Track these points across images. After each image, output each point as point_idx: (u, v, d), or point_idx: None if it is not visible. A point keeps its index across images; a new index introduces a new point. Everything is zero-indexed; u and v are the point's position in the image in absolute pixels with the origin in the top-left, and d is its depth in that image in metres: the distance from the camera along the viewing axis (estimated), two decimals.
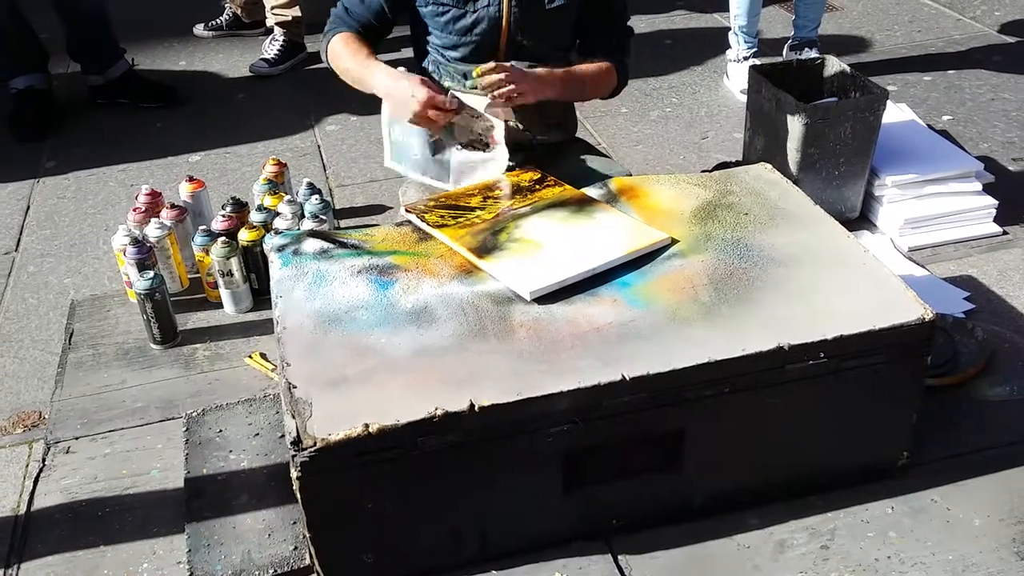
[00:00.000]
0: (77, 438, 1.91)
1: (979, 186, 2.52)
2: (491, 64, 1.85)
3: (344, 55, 1.97)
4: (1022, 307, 2.19)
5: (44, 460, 1.86)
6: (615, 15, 2.11)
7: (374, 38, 2.03)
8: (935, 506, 1.66)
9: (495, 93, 1.84)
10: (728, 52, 3.44)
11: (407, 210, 1.86)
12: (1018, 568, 1.55)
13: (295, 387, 1.44)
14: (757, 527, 1.63)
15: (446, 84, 2.00)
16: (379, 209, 2.77)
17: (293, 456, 1.37)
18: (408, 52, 2.16)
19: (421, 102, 1.82)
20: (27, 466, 1.87)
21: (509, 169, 1.97)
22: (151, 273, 2.10)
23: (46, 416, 1.99)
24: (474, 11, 1.94)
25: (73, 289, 2.47)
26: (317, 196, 2.35)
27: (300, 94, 3.52)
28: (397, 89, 1.87)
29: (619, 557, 1.58)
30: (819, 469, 1.67)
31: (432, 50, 2.04)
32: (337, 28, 2.02)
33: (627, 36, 2.14)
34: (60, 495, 1.78)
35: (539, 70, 1.94)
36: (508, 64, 1.87)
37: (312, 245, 1.76)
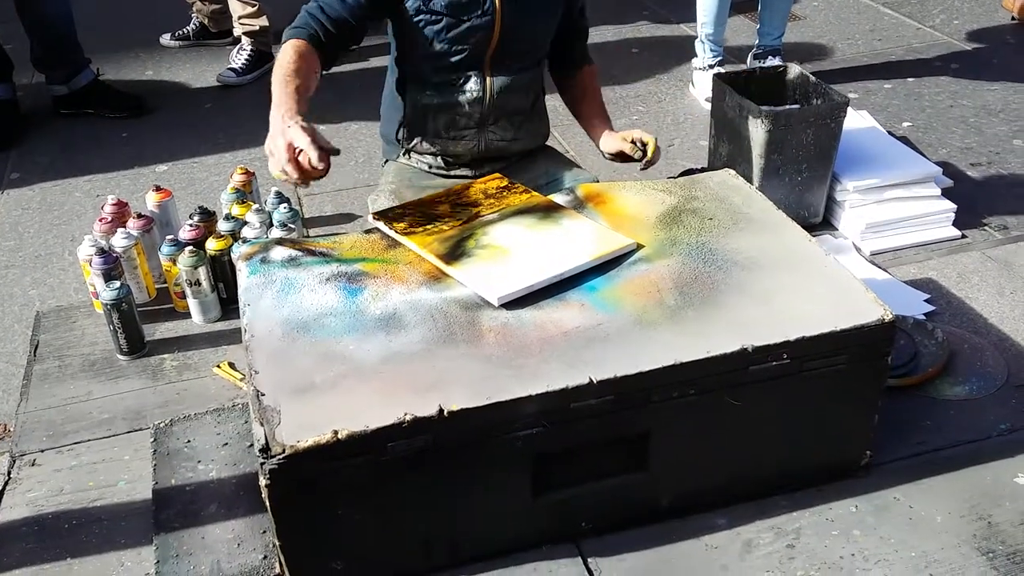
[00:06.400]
0: (43, 450, 1.89)
1: (938, 191, 2.56)
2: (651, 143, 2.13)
3: (280, 69, 1.81)
4: (981, 308, 2.24)
5: (9, 473, 1.84)
6: (581, 20, 2.20)
7: (341, 42, 1.91)
8: (898, 504, 1.69)
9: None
10: (694, 61, 3.48)
11: (375, 217, 1.86)
12: (979, 563, 1.58)
13: (263, 394, 1.44)
14: (724, 527, 1.65)
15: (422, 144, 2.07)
16: (348, 218, 2.77)
17: (262, 463, 1.37)
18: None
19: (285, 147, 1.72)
20: None
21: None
22: (117, 283, 2.09)
23: (11, 428, 1.97)
24: (467, 20, 1.94)
25: (38, 301, 2.44)
26: (285, 205, 2.35)
27: (267, 103, 3.45)
28: (278, 132, 1.78)
29: (589, 560, 1.60)
30: (784, 468, 1.69)
31: (409, 66, 2.03)
32: (298, 30, 1.86)
33: (586, 35, 2.28)
34: (26, 508, 1.76)
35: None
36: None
37: (280, 253, 1.76)
